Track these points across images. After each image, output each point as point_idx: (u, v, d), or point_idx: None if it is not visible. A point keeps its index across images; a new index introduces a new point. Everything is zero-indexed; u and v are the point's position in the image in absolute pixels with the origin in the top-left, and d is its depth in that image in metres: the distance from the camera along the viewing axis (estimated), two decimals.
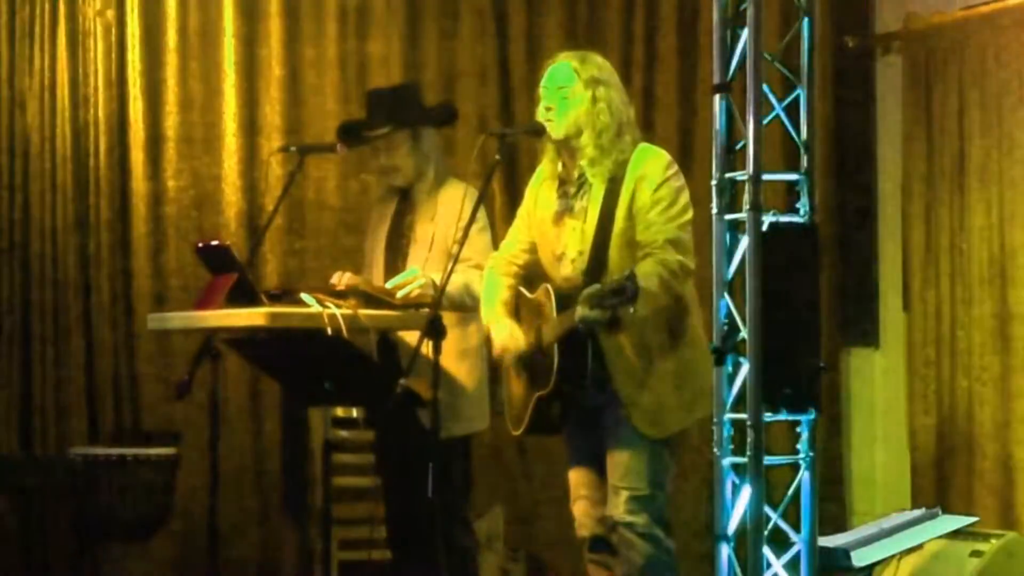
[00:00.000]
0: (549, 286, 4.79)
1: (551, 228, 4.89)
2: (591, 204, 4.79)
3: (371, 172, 5.59)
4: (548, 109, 4.84)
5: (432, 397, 4.68)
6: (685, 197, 4.75)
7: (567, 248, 4.83)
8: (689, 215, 4.73)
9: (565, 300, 4.68)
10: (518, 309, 4.97)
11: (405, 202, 5.49)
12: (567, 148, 4.84)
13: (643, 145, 4.85)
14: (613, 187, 4.75)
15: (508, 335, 4.86)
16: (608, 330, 4.63)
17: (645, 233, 4.69)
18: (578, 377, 4.70)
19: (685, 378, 4.76)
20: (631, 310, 4.39)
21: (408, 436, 5.12)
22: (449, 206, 5.27)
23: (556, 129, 4.82)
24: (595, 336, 4.67)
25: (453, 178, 5.40)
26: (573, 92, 4.81)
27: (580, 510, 4.92)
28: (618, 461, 4.74)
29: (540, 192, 4.97)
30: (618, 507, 4.73)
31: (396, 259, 5.42)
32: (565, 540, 7.03)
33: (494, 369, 5.47)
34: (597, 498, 4.86)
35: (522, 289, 5.00)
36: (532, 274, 5.01)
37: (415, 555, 5.39)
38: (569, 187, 4.87)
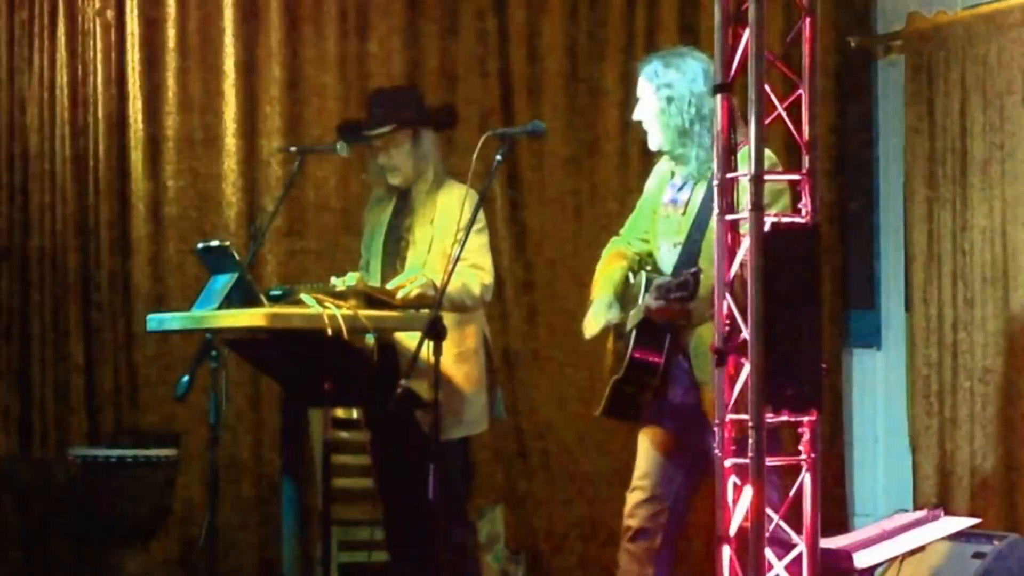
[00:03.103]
0: (644, 273, 4.85)
1: (657, 218, 4.98)
2: (692, 198, 4.88)
3: (369, 172, 5.60)
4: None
5: (432, 398, 4.66)
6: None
7: (667, 238, 4.91)
8: None
9: (658, 288, 4.74)
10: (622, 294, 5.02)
11: (403, 204, 5.47)
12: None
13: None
14: (705, 185, 4.82)
15: (591, 315, 4.92)
16: (682, 322, 4.70)
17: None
18: (647, 368, 4.74)
19: None
20: (691, 305, 4.49)
21: (406, 438, 5.11)
22: (448, 208, 5.26)
23: (650, 141, 4.95)
24: (674, 330, 4.71)
25: (452, 180, 5.40)
26: (648, 105, 4.94)
27: (634, 499, 4.93)
28: None
29: (660, 182, 5.05)
30: None
31: (394, 261, 5.41)
32: (566, 540, 7.06)
33: (492, 371, 5.46)
34: (658, 494, 4.88)
35: (629, 274, 5.05)
36: (645, 261, 5.07)
37: (414, 557, 5.38)
38: (678, 180, 4.95)
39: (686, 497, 4.99)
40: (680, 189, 4.93)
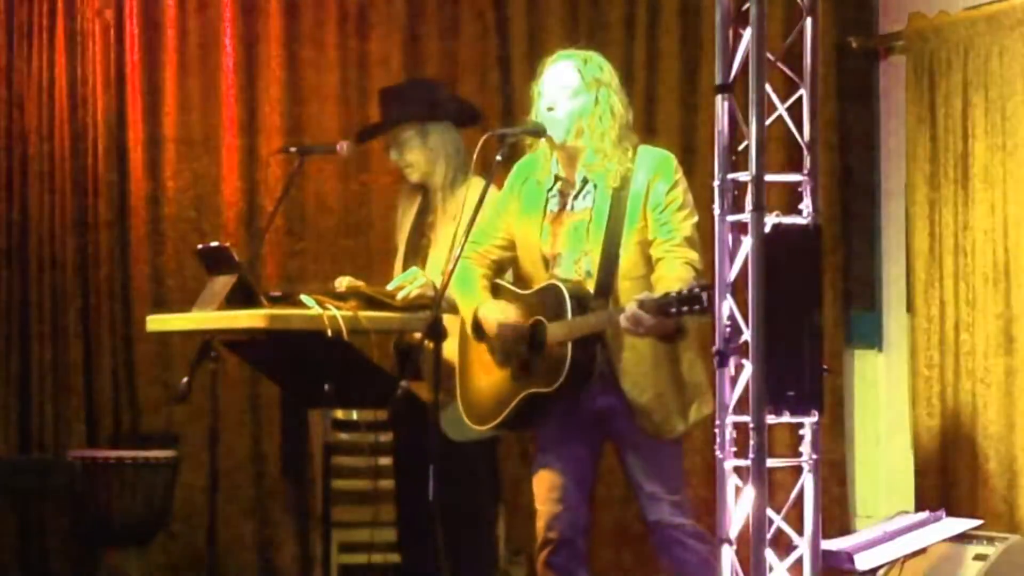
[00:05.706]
0: (560, 284, 4.73)
1: (538, 227, 4.82)
2: (597, 205, 4.75)
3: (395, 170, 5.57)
4: (550, 109, 4.78)
5: (433, 399, 4.65)
6: (691, 197, 4.78)
7: (566, 248, 4.78)
8: (696, 215, 4.76)
9: (581, 300, 4.65)
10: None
11: (426, 201, 5.45)
12: (566, 149, 4.80)
13: (645, 146, 4.83)
14: (621, 189, 4.72)
15: (502, 311, 4.78)
16: (670, 340, 4.61)
17: (662, 230, 4.69)
18: (584, 379, 4.66)
19: (685, 381, 4.76)
20: (694, 320, 4.42)
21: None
22: (470, 204, 5.18)
23: (558, 130, 4.77)
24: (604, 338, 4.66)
25: (476, 176, 5.29)
26: (576, 92, 4.77)
27: (553, 511, 4.84)
28: (650, 468, 4.75)
29: (525, 189, 4.88)
30: (663, 511, 4.76)
31: (416, 259, 5.36)
32: None
33: None
34: (571, 503, 4.83)
35: (506, 283, 4.93)
36: (502, 271, 4.97)
37: (427, 559, 5.35)
38: (564, 186, 4.82)
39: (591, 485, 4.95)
40: (575, 196, 4.78)
